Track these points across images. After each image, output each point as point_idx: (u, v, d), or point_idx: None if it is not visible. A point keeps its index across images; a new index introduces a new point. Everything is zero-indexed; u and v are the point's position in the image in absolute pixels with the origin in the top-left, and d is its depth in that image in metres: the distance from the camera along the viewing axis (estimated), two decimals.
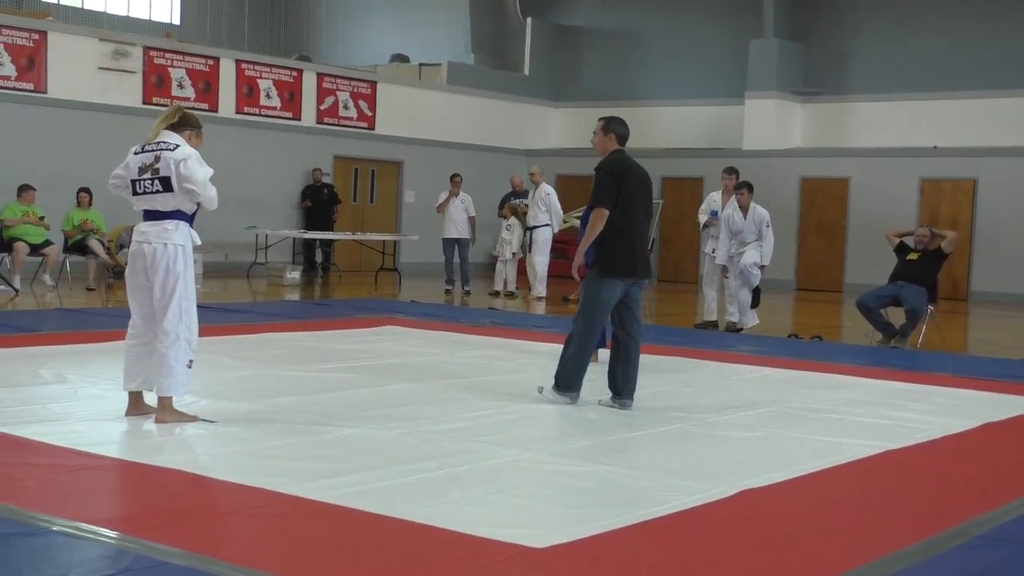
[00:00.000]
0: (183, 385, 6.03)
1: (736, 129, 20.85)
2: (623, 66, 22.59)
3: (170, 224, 6.01)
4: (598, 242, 6.93)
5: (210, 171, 6.02)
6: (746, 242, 11.80)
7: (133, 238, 6.13)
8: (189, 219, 6.09)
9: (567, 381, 7.02)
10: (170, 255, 5.96)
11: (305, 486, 4.72)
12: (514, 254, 16.03)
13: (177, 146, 5.99)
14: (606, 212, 6.86)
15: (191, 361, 6.04)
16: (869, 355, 10.38)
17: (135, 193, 6.03)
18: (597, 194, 6.92)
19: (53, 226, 14.39)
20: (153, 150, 5.99)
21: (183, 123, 6.13)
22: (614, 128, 7.10)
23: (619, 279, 6.91)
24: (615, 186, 6.87)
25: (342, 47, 24.80)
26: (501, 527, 4.25)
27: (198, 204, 6.09)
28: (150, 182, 5.96)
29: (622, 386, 7.00)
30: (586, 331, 6.96)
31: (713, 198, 12.61)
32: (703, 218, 12.63)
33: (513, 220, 16.04)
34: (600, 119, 7.22)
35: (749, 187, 11.85)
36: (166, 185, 5.95)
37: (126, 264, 6.29)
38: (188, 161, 5.93)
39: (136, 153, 6.06)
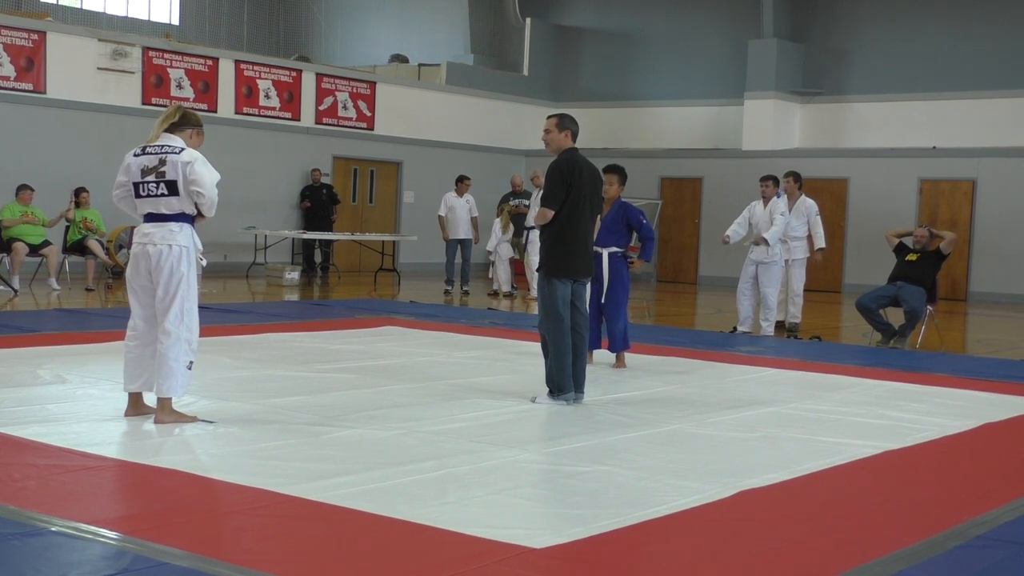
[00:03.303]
0: (183, 386, 6.03)
1: (735, 129, 20.86)
2: (623, 66, 22.58)
3: (175, 226, 6.00)
4: (544, 243, 7.17)
5: (217, 176, 6.00)
6: (757, 240, 11.70)
7: (135, 239, 6.11)
8: (192, 222, 6.08)
9: (557, 384, 7.09)
10: (175, 256, 5.96)
11: (305, 486, 4.73)
12: (489, 253, 16.06)
13: (182, 149, 5.98)
14: (551, 213, 7.05)
15: (191, 363, 6.04)
16: (869, 355, 10.37)
17: (138, 196, 6.01)
18: (545, 195, 7.13)
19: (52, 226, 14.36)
20: (156, 152, 5.97)
21: (184, 122, 6.11)
22: (568, 125, 7.18)
23: (565, 278, 7.10)
24: (564, 189, 7.03)
25: (341, 47, 24.79)
26: (501, 527, 4.25)
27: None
28: (154, 185, 5.95)
29: (575, 380, 7.13)
30: (555, 330, 7.09)
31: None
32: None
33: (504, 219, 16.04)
34: (551, 116, 7.29)
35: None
36: (171, 189, 5.93)
37: (126, 264, 6.27)
38: (195, 164, 5.93)
39: (136, 155, 6.03)
